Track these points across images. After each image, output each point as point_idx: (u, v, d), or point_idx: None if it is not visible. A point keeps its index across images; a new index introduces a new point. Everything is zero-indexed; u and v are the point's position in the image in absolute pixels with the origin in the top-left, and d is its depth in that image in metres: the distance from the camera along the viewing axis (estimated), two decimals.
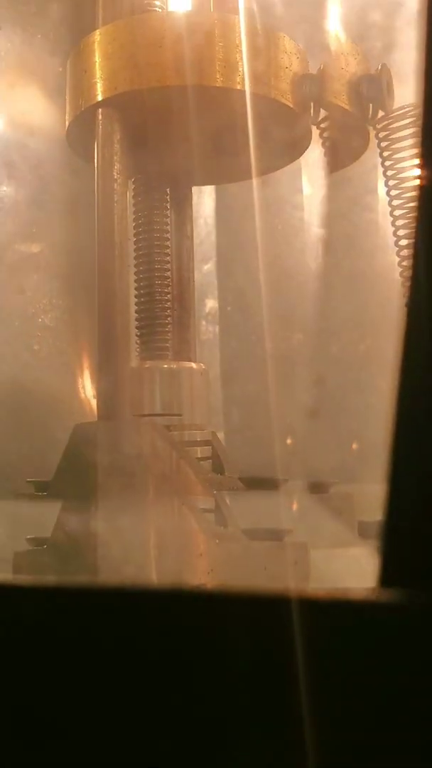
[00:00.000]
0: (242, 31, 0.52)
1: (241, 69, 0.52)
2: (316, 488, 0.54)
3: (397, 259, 0.60)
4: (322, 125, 0.55)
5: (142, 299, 0.57)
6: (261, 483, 0.54)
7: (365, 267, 0.86)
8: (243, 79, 0.52)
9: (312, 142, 0.59)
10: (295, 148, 0.59)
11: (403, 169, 0.57)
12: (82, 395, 0.74)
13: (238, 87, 0.52)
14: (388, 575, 0.26)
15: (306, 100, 0.54)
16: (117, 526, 0.47)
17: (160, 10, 0.57)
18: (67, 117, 0.56)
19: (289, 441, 0.86)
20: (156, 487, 0.48)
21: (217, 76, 0.51)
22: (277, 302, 0.92)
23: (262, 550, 0.52)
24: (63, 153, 0.75)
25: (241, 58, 0.51)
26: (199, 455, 0.56)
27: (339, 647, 0.24)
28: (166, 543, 0.48)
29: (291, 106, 0.53)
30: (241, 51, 0.52)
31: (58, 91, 0.75)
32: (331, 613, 0.25)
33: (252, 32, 0.52)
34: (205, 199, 0.86)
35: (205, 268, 0.91)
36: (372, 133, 0.58)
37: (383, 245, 0.69)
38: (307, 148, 0.59)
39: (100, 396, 0.51)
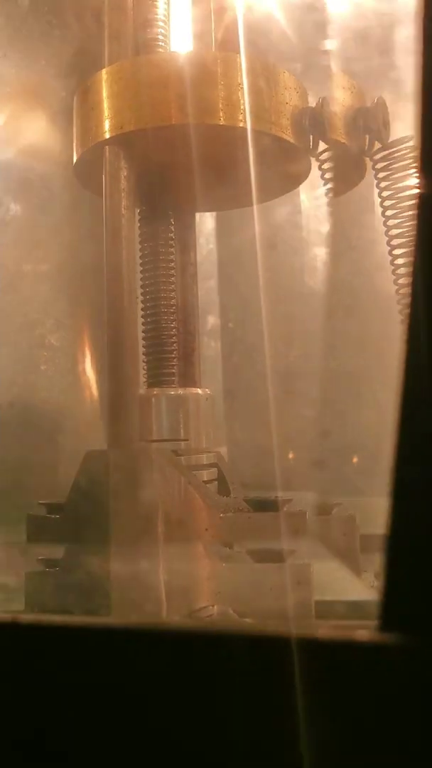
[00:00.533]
0: (243, 70, 0.54)
1: (242, 107, 0.53)
2: (320, 510, 0.56)
3: (395, 280, 0.61)
4: (321, 157, 0.57)
5: (149, 327, 0.59)
6: (266, 505, 0.56)
7: (364, 284, 0.87)
8: (245, 117, 0.53)
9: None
10: (295, 179, 0.61)
11: (399, 199, 0.59)
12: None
13: (241, 124, 0.53)
14: (390, 618, 0.28)
15: (305, 133, 0.56)
16: (129, 553, 0.49)
17: (163, 48, 0.59)
18: (75, 152, 0.57)
19: (291, 455, 0.88)
20: (167, 515, 0.50)
21: (220, 115, 0.53)
22: (277, 318, 0.94)
23: (267, 571, 0.54)
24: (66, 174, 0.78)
25: (243, 96, 0.53)
26: (205, 478, 0.57)
27: (342, 688, 0.25)
28: (177, 568, 0.50)
29: (291, 140, 0.55)
30: (242, 89, 0.53)
31: (62, 115, 0.77)
32: (335, 655, 0.26)
33: (253, 70, 0.54)
34: (206, 218, 0.88)
35: (207, 286, 0.93)
36: (369, 164, 0.60)
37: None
38: (306, 177, 0.61)
39: (110, 423, 0.53)
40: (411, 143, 0.57)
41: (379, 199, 0.59)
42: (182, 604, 0.50)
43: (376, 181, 0.59)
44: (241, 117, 0.53)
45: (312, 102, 0.58)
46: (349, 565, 0.56)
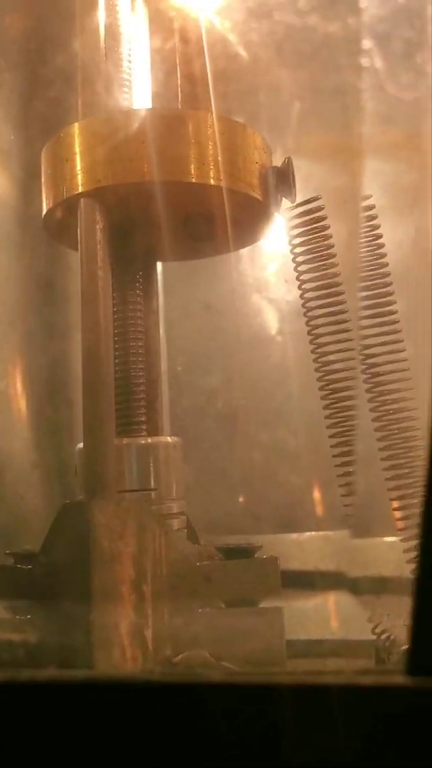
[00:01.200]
0: (215, 129, 0.55)
1: (213, 165, 0.55)
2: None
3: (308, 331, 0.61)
4: (287, 215, 0.59)
5: (118, 375, 0.59)
6: (237, 551, 0.57)
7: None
8: (216, 175, 0.55)
9: None
10: (260, 233, 0.63)
11: (313, 255, 0.60)
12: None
13: (212, 182, 0.55)
14: (418, 662, 0.29)
15: (272, 191, 0.58)
16: (111, 605, 0.49)
17: (128, 102, 0.60)
18: (45, 204, 0.58)
19: (240, 499, 0.90)
20: (148, 566, 0.50)
21: (192, 173, 0.55)
22: (225, 364, 0.95)
23: (240, 615, 0.54)
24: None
25: (215, 155, 0.55)
26: (176, 527, 0.58)
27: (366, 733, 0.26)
28: (158, 618, 0.50)
29: (260, 198, 0.57)
30: (214, 147, 0.55)
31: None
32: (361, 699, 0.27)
33: (225, 128, 0.56)
34: None
35: None
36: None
37: None
38: (269, 231, 0.63)
39: (87, 473, 0.53)
40: (320, 203, 0.59)
41: (292, 255, 0.60)
42: (163, 654, 0.50)
43: (288, 238, 0.60)
44: (212, 175, 0.55)
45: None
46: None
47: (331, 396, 0.60)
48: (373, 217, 0.61)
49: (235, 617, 0.54)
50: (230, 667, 0.51)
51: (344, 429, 0.59)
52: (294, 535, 0.88)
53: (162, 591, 0.51)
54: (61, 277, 0.89)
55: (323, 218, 0.59)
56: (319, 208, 0.59)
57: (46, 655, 0.50)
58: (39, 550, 0.53)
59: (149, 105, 0.62)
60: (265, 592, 0.55)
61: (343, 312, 0.59)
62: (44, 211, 0.58)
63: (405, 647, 0.55)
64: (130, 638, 0.49)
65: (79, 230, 0.54)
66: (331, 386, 0.60)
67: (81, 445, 0.58)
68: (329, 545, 0.84)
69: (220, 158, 0.55)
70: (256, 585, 0.55)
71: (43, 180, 0.58)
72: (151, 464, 0.57)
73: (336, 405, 0.60)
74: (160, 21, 0.64)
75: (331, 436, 0.59)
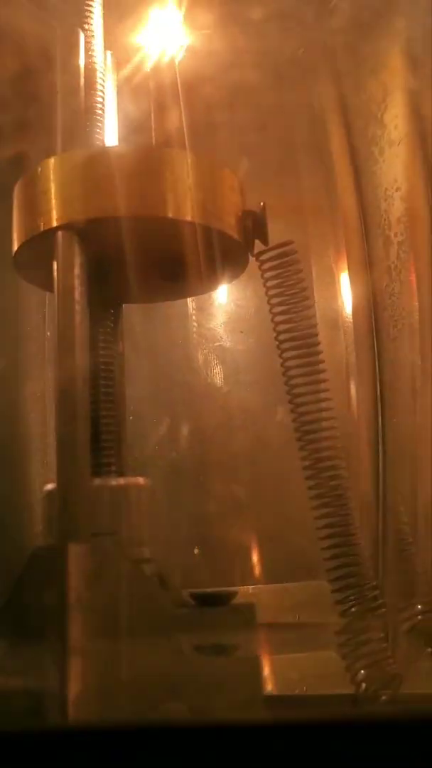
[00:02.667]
0: (193, 169, 0.56)
1: (191, 202, 0.55)
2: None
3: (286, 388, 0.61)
4: (262, 257, 0.60)
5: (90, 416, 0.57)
6: (211, 598, 0.55)
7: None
8: (193, 212, 0.55)
9: None
10: (233, 274, 0.63)
11: (288, 298, 0.60)
12: None
13: (189, 218, 0.55)
14: None
15: (248, 234, 0.59)
16: (86, 653, 0.46)
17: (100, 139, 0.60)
18: (17, 239, 0.56)
19: (196, 550, 0.87)
20: (125, 613, 0.48)
21: (169, 208, 0.54)
22: (174, 410, 0.94)
23: (217, 665, 0.52)
24: None
25: (193, 192, 0.55)
26: (148, 573, 0.55)
27: None
28: (135, 667, 0.47)
29: (236, 237, 0.57)
30: (192, 185, 0.55)
31: None
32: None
33: (202, 167, 0.56)
34: None
35: None
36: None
37: None
38: (242, 272, 0.63)
39: (61, 516, 0.50)
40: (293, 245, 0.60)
41: (267, 297, 0.60)
42: (141, 702, 0.47)
43: (263, 281, 0.60)
44: (190, 211, 0.55)
45: None
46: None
47: (305, 437, 0.59)
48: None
49: (211, 666, 0.52)
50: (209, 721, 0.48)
51: (322, 474, 0.58)
52: (250, 588, 0.86)
53: (137, 640, 0.49)
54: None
55: (297, 261, 0.60)
56: (293, 251, 0.60)
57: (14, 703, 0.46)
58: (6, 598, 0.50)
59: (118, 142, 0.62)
60: (242, 639, 0.54)
61: (317, 353, 0.60)
62: (16, 247, 0.56)
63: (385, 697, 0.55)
64: (105, 688, 0.46)
65: (56, 264, 0.53)
66: (304, 427, 0.59)
67: (50, 486, 0.55)
68: (289, 597, 0.82)
69: (197, 196, 0.55)
70: (233, 632, 0.53)
71: (15, 215, 0.57)
72: (123, 506, 0.55)
73: (309, 446, 0.59)
74: (134, 67, 0.64)
75: (310, 487, 0.59)
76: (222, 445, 0.90)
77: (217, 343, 0.94)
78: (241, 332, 0.94)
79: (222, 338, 0.94)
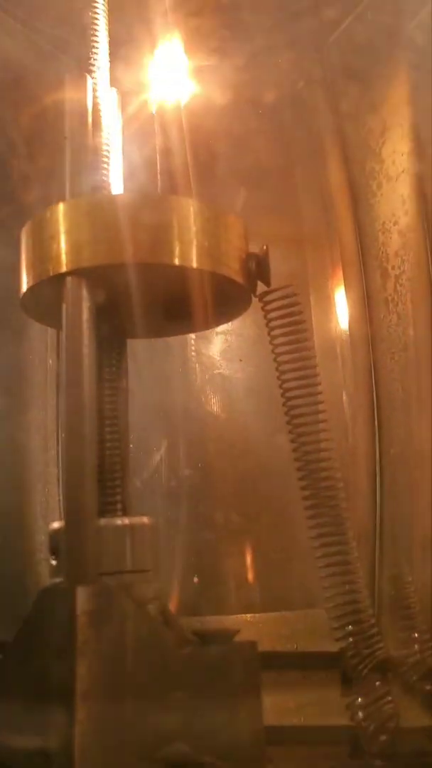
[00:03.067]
0: (198, 215, 0.57)
1: (197, 248, 0.56)
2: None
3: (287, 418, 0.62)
4: (264, 299, 0.61)
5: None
6: (214, 636, 0.56)
7: None
8: (199, 258, 0.56)
9: None
10: (235, 314, 0.65)
11: (290, 340, 0.61)
12: None
13: (194, 265, 0.56)
14: None
15: (251, 276, 0.60)
16: (95, 700, 0.47)
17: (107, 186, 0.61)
18: (26, 281, 0.57)
19: (195, 579, 0.88)
20: (133, 656, 0.49)
21: (176, 255, 0.55)
22: (172, 438, 0.95)
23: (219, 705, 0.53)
24: None
25: (198, 239, 0.56)
26: (152, 612, 0.56)
27: None
28: (143, 712, 0.48)
29: (239, 281, 0.59)
30: (197, 232, 0.56)
31: None
32: None
33: (207, 214, 0.57)
34: None
35: None
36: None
37: None
38: (245, 311, 0.64)
39: (66, 556, 0.51)
40: (295, 288, 0.61)
41: (269, 337, 0.61)
42: (145, 746, 0.48)
43: (266, 321, 0.61)
44: (195, 258, 0.56)
45: None
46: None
47: (305, 468, 0.60)
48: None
49: (215, 708, 0.52)
50: (214, 763, 0.49)
51: (321, 503, 0.59)
52: (248, 616, 0.87)
53: (143, 680, 0.49)
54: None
55: (298, 302, 0.61)
56: (294, 293, 0.61)
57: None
58: (12, 638, 0.51)
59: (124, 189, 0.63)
60: (245, 677, 0.54)
61: (316, 387, 0.61)
62: (24, 290, 0.57)
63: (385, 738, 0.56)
64: (113, 733, 0.47)
65: (64, 308, 0.54)
66: (303, 458, 0.60)
67: (56, 524, 0.56)
68: (286, 625, 0.83)
69: (202, 243, 0.56)
70: (236, 671, 0.54)
71: (23, 258, 0.58)
72: (128, 546, 0.56)
73: (309, 476, 0.60)
74: (139, 110, 0.66)
75: (309, 517, 0.60)
76: (221, 473, 0.91)
77: (217, 371, 0.95)
78: (240, 360, 0.95)
79: (221, 366, 0.95)
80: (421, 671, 0.62)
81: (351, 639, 0.58)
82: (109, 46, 0.63)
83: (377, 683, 0.59)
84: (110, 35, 0.64)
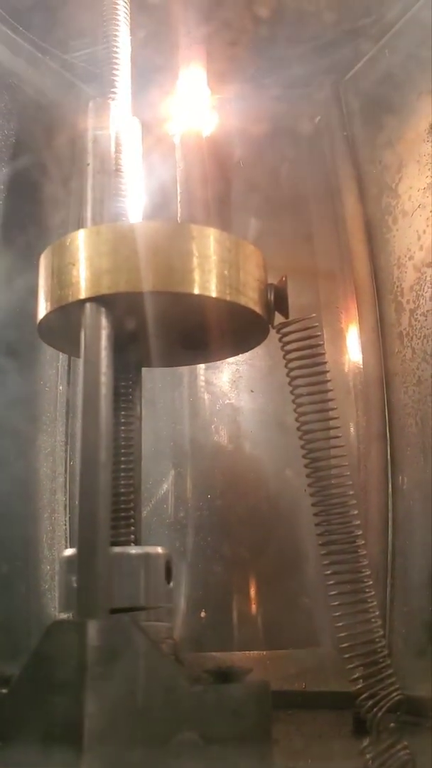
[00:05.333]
0: (218, 245, 0.56)
1: (217, 278, 0.56)
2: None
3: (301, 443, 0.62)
4: (282, 330, 0.60)
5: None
6: (226, 675, 0.54)
7: None
8: (219, 288, 0.56)
9: None
10: (253, 344, 0.64)
11: (307, 369, 0.61)
12: None
13: (214, 294, 0.55)
14: None
15: (269, 307, 0.59)
16: (105, 738, 0.45)
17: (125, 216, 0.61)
18: (44, 308, 0.57)
19: (203, 614, 0.86)
20: (139, 690, 0.47)
21: (196, 285, 0.55)
22: (181, 468, 0.94)
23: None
24: None
25: (218, 269, 0.56)
26: (165, 650, 0.55)
27: None
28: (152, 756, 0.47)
29: (259, 312, 0.58)
30: (217, 261, 0.56)
31: None
32: None
33: (230, 245, 0.57)
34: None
35: None
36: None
37: None
38: (262, 341, 0.64)
39: (80, 588, 0.50)
40: (314, 320, 0.60)
41: (287, 369, 0.61)
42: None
43: (283, 353, 0.61)
44: (215, 288, 0.56)
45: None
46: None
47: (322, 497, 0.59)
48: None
49: (226, 747, 0.51)
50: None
51: (339, 541, 0.58)
52: (255, 653, 0.85)
53: (154, 718, 0.48)
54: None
55: (317, 335, 0.61)
56: (313, 325, 0.61)
57: None
58: (19, 672, 0.50)
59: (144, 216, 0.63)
60: (257, 716, 0.53)
61: (334, 425, 0.60)
62: (41, 315, 0.57)
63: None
64: None
65: (82, 335, 0.54)
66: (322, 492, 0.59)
67: (68, 552, 0.55)
68: (294, 663, 0.82)
69: (221, 272, 0.56)
70: (248, 711, 0.53)
71: (41, 284, 0.57)
72: (143, 576, 0.55)
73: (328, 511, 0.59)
74: (161, 138, 0.66)
75: (324, 553, 0.59)
76: (230, 504, 0.90)
77: (227, 401, 0.95)
78: (252, 391, 0.94)
79: (231, 396, 0.95)
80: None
81: (365, 681, 0.57)
82: (133, 76, 0.63)
83: (391, 726, 0.57)
84: (134, 64, 0.65)
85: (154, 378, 0.91)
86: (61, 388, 0.91)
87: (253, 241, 0.82)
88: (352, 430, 0.88)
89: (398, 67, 0.90)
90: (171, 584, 0.56)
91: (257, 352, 0.92)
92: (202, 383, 0.94)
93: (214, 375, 0.95)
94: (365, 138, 0.93)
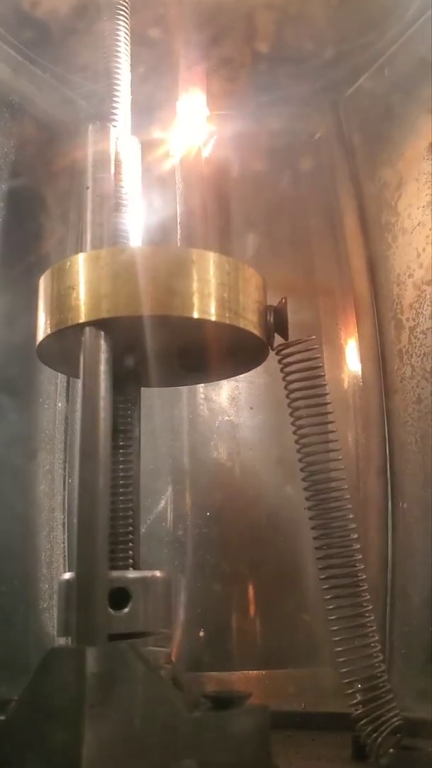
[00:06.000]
0: (218, 268, 0.56)
1: (216, 302, 0.56)
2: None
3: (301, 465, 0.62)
4: (282, 351, 0.60)
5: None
6: (225, 701, 0.54)
7: None
8: (218, 311, 0.55)
9: None
10: (252, 365, 0.64)
11: (305, 388, 0.61)
12: None
13: (213, 318, 0.55)
14: None
15: (269, 328, 0.59)
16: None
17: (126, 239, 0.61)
18: (43, 330, 0.57)
19: (201, 633, 0.86)
20: (137, 717, 0.47)
21: (195, 309, 0.55)
22: (180, 485, 0.94)
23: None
24: None
25: (218, 292, 0.56)
26: (163, 675, 0.55)
27: None
28: None
29: (258, 335, 0.58)
30: (217, 285, 0.56)
31: None
32: None
33: (229, 268, 0.57)
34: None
35: None
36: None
37: None
38: (262, 362, 0.63)
39: (80, 613, 0.50)
40: (314, 341, 0.60)
41: (286, 391, 0.61)
42: None
43: (282, 375, 0.61)
44: (214, 311, 0.55)
45: None
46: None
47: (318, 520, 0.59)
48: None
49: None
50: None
51: (341, 560, 0.58)
52: (254, 673, 0.85)
53: (153, 745, 0.48)
54: None
55: (317, 356, 0.60)
56: (313, 346, 0.60)
57: None
58: (17, 698, 0.49)
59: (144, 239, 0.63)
60: (257, 743, 0.53)
61: (333, 448, 0.60)
62: (41, 338, 0.57)
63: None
64: None
65: (82, 358, 0.53)
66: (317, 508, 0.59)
67: (66, 575, 0.55)
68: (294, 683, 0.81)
69: (221, 296, 0.56)
70: (247, 737, 0.52)
71: (41, 306, 0.57)
72: (141, 600, 0.54)
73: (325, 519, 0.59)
74: (160, 160, 0.66)
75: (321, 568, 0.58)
76: (230, 522, 0.89)
77: (226, 418, 0.94)
78: (251, 408, 0.94)
79: (231, 413, 0.94)
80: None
81: (364, 705, 0.57)
82: (133, 98, 0.63)
83: (391, 752, 0.57)
84: (134, 86, 0.65)
85: (153, 394, 0.91)
86: (60, 405, 0.91)
87: (254, 260, 0.82)
88: (351, 446, 0.88)
89: (397, 86, 0.90)
90: (170, 608, 0.56)
91: (256, 369, 0.92)
92: (202, 400, 0.94)
93: (214, 391, 0.94)
94: (365, 155, 0.93)
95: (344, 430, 0.88)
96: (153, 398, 0.91)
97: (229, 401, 0.95)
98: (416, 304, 0.85)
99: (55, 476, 0.88)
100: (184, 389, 0.93)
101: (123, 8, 0.63)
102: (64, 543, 0.86)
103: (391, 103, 0.90)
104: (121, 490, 0.58)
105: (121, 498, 0.58)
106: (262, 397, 0.93)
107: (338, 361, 0.92)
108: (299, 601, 0.83)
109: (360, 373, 0.91)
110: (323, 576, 0.59)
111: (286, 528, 0.87)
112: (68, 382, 0.90)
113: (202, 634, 0.84)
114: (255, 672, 0.82)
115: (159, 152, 0.65)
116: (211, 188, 0.67)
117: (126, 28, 0.64)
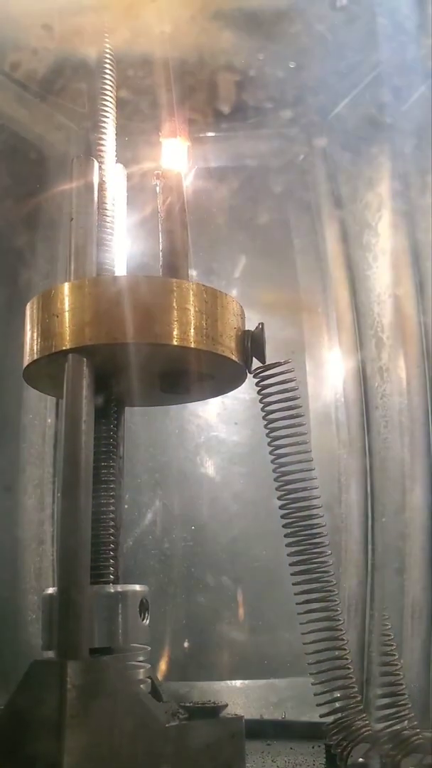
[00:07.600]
0: (196, 297, 0.59)
1: (195, 330, 0.58)
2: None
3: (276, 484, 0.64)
4: (260, 374, 0.63)
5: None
6: (202, 711, 0.56)
7: None
8: (197, 339, 0.58)
9: None
10: (231, 388, 0.66)
11: (281, 409, 0.63)
12: None
13: (192, 345, 0.58)
14: None
15: (247, 353, 0.62)
16: None
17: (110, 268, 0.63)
18: (28, 355, 0.59)
19: (185, 644, 0.88)
20: (115, 727, 0.49)
21: (175, 336, 0.57)
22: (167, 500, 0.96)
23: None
24: None
25: (197, 320, 0.58)
26: (143, 687, 0.57)
27: None
28: None
29: (237, 360, 0.60)
30: (195, 313, 0.58)
31: None
32: None
33: (208, 297, 0.59)
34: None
35: None
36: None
37: None
38: (239, 386, 0.66)
39: (61, 627, 0.52)
40: (290, 365, 0.62)
41: (263, 412, 0.63)
42: None
43: (259, 397, 0.63)
44: (193, 339, 0.58)
45: None
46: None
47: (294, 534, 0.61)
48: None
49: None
50: None
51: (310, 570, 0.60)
52: (238, 683, 0.87)
53: (131, 756, 0.50)
54: None
55: (293, 379, 0.63)
56: (290, 370, 0.63)
57: None
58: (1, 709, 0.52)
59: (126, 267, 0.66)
60: (231, 752, 0.55)
61: (310, 467, 0.62)
62: (26, 362, 0.59)
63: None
64: None
65: (65, 384, 0.56)
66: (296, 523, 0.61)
67: (50, 590, 0.57)
68: (275, 693, 0.84)
69: (200, 324, 0.58)
70: (221, 746, 0.55)
71: (26, 332, 0.60)
72: (120, 617, 0.57)
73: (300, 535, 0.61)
74: (142, 188, 0.68)
75: (296, 583, 0.61)
76: (214, 536, 0.92)
77: (212, 434, 0.97)
78: (236, 423, 0.96)
79: (217, 428, 0.97)
80: (406, 749, 0.62)
81: (336, 715, 0.59)
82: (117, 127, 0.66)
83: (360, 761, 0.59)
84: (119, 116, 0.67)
85: (138, 410, 0.93)
86: (49, 420, 0.93)
87: (238, 277, 0.84)
88: (332, 464, 0.90)
89: (380, 108, 0.92)
90: (147, 622, 0.58)
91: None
92: (188, 415, 0.97)
93: (200, 407, 0.97)
94: (347, 176, 0.96)
95: (325, 447, 0.90)
96: (139, 414, 0.94)
97: (215, 417, 0.97)
98: (396, 322, 0.88)
99: (44, 490, 0.90)
100: (170, 406, 0.96)
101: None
102: (52, 555, 0.88)
103: (373, 125, 0.92)
104: (102, 508, 0.60)
105: (102, 518, 0.60)
106: (247, 413, 0.95)
107: (320, 380, 0.94)
108: (282, 612, 0.85)
109: (342, 390, 0.93)
110: (297, 591, 0.61)
111: (271, 540, 0.89)
112: (58, 399, 0.93)
113: (186, 645, 0.86)
114: (238, 682, 0.84)
115: (141, 177, 0.67)
116: (193, 213, 0.69)
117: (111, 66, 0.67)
